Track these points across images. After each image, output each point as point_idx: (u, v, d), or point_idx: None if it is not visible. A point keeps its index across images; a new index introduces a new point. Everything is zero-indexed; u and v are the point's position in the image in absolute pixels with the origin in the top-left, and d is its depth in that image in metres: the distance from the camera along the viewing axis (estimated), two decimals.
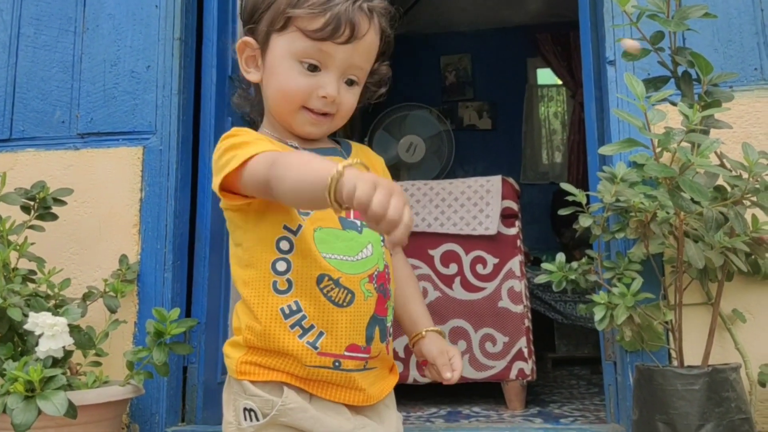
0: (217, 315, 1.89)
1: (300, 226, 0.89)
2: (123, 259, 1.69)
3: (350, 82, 0.95)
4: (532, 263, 3.75)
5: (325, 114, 0.93)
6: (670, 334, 1.45)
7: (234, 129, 0.93)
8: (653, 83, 1.29)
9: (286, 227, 0.89)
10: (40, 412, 1.17)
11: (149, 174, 1.77)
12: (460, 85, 5.19)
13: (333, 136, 1.04)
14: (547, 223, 4.62)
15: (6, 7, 1.91)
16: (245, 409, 0.87)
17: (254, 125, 1.05)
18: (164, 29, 1.85)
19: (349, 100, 0.95)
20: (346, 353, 0.89)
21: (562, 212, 1.50)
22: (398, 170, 4.26)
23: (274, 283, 0.88)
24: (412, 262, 2.37)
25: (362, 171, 0.70)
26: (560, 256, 1.52)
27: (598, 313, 1.40)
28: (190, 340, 1.74)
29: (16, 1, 1.91)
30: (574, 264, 1.51)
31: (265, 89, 0.96)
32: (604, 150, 1.19)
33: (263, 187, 0.82)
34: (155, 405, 1.65)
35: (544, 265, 1.51)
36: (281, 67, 0.92)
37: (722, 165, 1.33)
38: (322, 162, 0.75)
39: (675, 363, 1.42)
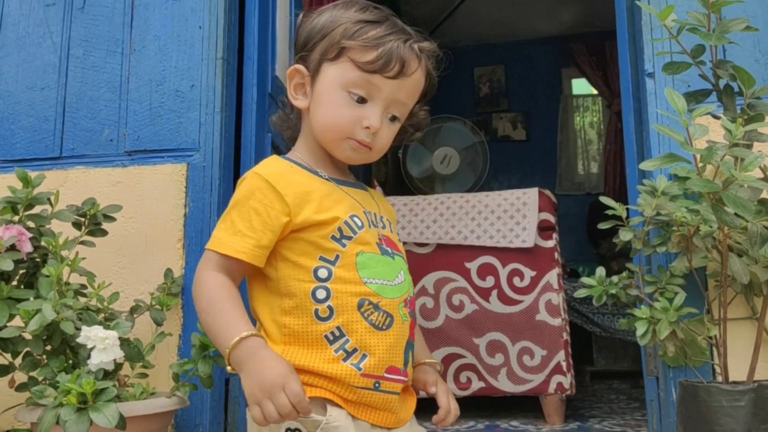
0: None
1: (338, 256, 0.92)
2: (168, 273, 1.74)
3: (392, 118, 0.99)
4: (569, 275, 3.71)
5: (366, 145, 0.97)
6: (714, 349, 1.42)
7: (246, 183, 0.96)
8: (694, 96, 1.28)
9: (322, 258, 0.92)
10: (91, 423, 1.21)
11: (193, 190, 1.82)
12: (494, 96, 5.19)
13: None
14: (583, 234, 4.57)
15: (56, 30, 1.99)
16: (288, 429, 0.87)
17: (283, 146, 1.12)
18: (207, 49, 1.90)
19: (387, 135, 0.99)
20: (386, 375, 0.92)
21: (602, 226, 1.50)
22: (433, 182, 4.27)
23: (316, 311, 0.90)
24: (448, 275, 2.38)
25: (254, 350, 0.84)
26: (600, 270, 1.51)
27: (640, 328, 1.38)
28: None
29: (66, 24, 1.99)
30: (615, 278, 1.50)
31: (312, 116, 1.00)
32: (646, 165, 1.19)
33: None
34: (199, 417, 1.69)
35: (584, 280, 1.51)
36: (330, 97, 0.96)
37: (766, 179, 1.32)
38: (227, 329, 0.87)
39: (719, 378, 1.39)
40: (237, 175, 1.94)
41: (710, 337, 1.40)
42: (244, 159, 1.95)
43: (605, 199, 1.49)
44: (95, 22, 1.97)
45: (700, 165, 1.13)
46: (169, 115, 1.89)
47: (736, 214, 1.13)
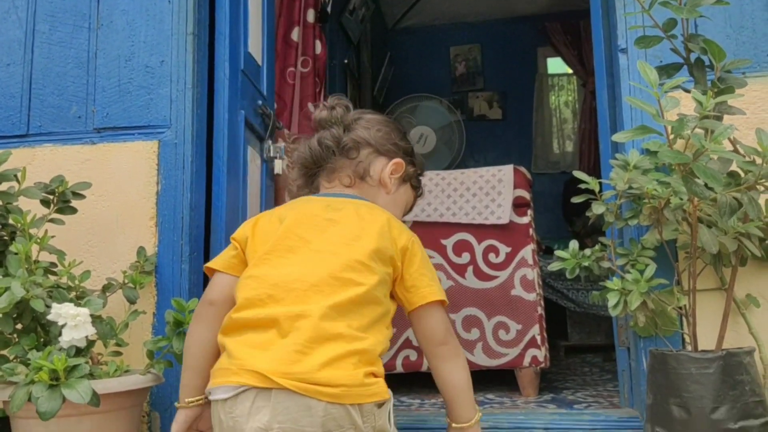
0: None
1: None
2: (141, 251, 1.72)
3: None
4: (544, 252, 3.75)
5: None
6: (684, 319, 1.45)
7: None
8: (666, 70, 1.29)
9: None
10: (64, 400, 1.20)
11: (165, 167, 1.80)
12: (470, 76, 5.19)
13: None
14: (558, 212, 4.62)
15: (21, 4, 1.93)
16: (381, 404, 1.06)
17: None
18: (177, 24, 1.87)
19: None
20: None
21: (576, 200, 1.51)
22: None
23: None
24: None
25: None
26: (573, 244, 1.53)
27: (612, 299, 1.40)
28: None
29: None
30: (588, 251, 1.52)
31: (388, 203, 1.30)
32: (618, 137, 1.20)
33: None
34: (174, 394, 1.67)
35: (558, 253, 1.52)
36: (402, 202, 1.36)
37: (736, 151, 1.34)
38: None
39: (689, 348, 1.42)
40: (210, 152, 1.91)
41: (680, 308, 1.43)
42: (217, 135, 1.93)
43: (579, 174, 1.51)
44: None
45: (671, 137, 1.14)
46: (138, 91, 1.85)
47: (706, 185, 1.15)
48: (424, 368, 2.28)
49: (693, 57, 1.30)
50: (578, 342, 3.70)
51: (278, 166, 2.31)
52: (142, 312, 1.62)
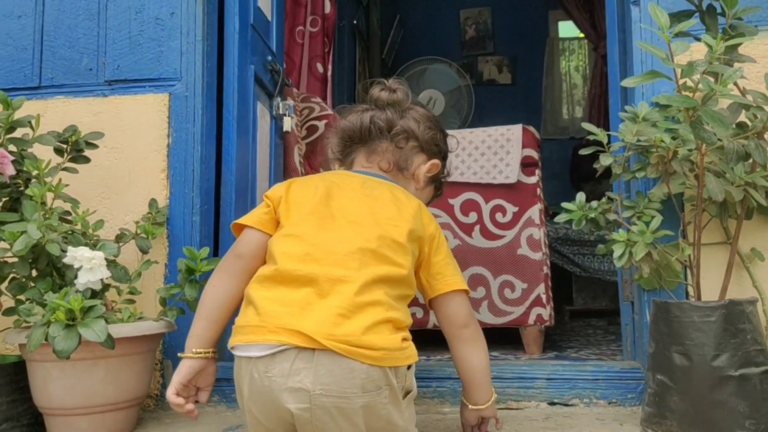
0: None
1: None
2: (152, 203, 1.74)
3: None
4: (551, 217, 3.76)
5: None
6: (688, 271, 1.47)
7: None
8: (677, 17, 1.28)
9: None
10: (80, 340, 1.23)
11: (176, 120, 1.81)
12: (479, 40, 5.13)
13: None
14: (566, 177, 4.61)
15: None
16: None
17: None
18: None
19: None
20: None
21: (584, 152, 1.51)
22: None
23: None
24: (433, 211, 2.39)
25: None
26: (580, 195, 1.54)
27: (617, 250, 1.42)
28: None
29: None
30: (594, 203, 1.53)
31: (415, 193, 1.34)
32: (627, 82, 1.20)
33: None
34: None
35: (564, 204, 1.53)
36: (424, 200, 1.38)
37: (743, 95, 1.33)
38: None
39: (692, 299, 1.44)
40: (220, 105, 1.92)
41: (684, 260, 1.44)
42: (227, 89, 1.94)
43: (587, 125, 1.51)
44: None
45: (681, 83, 1.14)
46: (149, 43, 1.86)
47: (714, 133, 1.16)
48: (429, 325, 2.31)
49: (705, 4, 1.29)
50: (583, 306, 3.74)
51: (287, 123, 2.32)
52: (154, 262, 1.65)
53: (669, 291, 1.48)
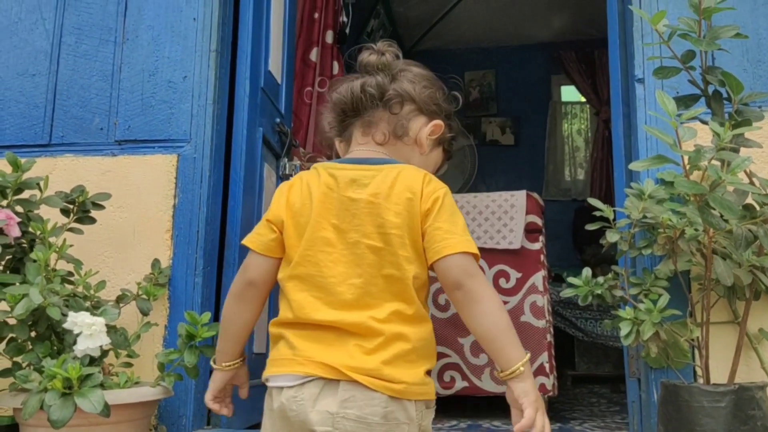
0: None
1: None
2: (155, 263, 1.73)
3: None
4: (554, 280, 3.74)
5: None
6: (696, 351, 1.45)
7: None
8: (683, 101, 1.30)
9: None
10: (75, 409, 1.20)
11: (183, 181, 1.82)
12: (483, 101, 5.22)
13: None
14: (568, 239, 4.61)
15: (49, 17, 1.98)
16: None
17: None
18: (201, 41, 1.90)
19: None
20: None
21: (590, 227, 1.51)
22: None
23: None
24: (435, 274, 2.39)
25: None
26: (586, 271, 1.53)
27: (624, 329, 1.40)
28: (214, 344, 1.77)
29: (59, 11, 1.97)
30: (600, 279, 1.52)
31: (421, 161, 1.22)
32: (635, 166, 1.21)
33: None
34: (183, 407, 1.68)
35: (570, 279, 1.52)
36: (432, 165, 1.28)
37: (752, 183, 1.34)
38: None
39: (700, 381, 1.41)
40: (227, 167, 1.94)
41: (692, 340, 1.42)
42: (235, 151, 1.95)
43: (593, 201, 1.51)
44: (89, 10, 1.96)
45: (688, 167, 1.15)
46: (160, 105, 1.88)
47: (721, 217, 1.16)
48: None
49: (711, 89, 1.31)
50: (586, 372, 3.67)
51: None
52: (154, 324, 1.63)
53: (676, 371, 1.46)
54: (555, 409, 2.62)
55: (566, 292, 1.52)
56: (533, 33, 5.08)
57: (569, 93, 5.26)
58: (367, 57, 1.23)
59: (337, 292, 1.06)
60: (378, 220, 1.09)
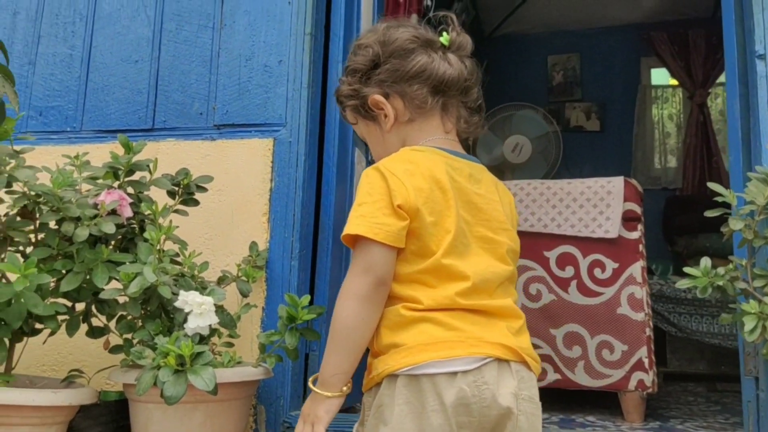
0: None
1: None
2: (253, 246, 1.75)
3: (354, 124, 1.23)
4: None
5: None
6: None
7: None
8: None
9: None
10: (187, 386, 1.23)
11: (279, 165, 1.83)
12: (567, 85, 5.05)
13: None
14: (657, 230, 4.40)
15: (150, 3, 2.03)
16: None
17: None
18: (296, 25, 1.90)
19: (370, 142, 1.22)
20: None
21: (710, 214, 1.41)
22: (502, 171, 4.19)
23: None
24: (526, 263, 2.32)
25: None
26: (705, 261, 1.43)
27: (749, 323, 1.30)
28: (312, 327, 1.77)
29: None
30: (721, 270, 1.42)
31: None
32: None
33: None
34: (281, 389, 1.70)
35: (688, 270, 1.43)
36: None
37: None
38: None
39: None
40: (321, 151, 1.94)
41: None
42: (328, 135, 1.95)
43: (714, 186, 1.41)
44: None
45: None
46: (257, 90, 1.90)
47: None
48: None
49: None
50: (678, 369, 3.51)
51: None
52: (253, 305, 1.65)
53: None
54: (650, 406, 2.50)
55: (683, 283, 1.43)
56: (621, 14, 4.85)
57: (659, 76, 5.01)
58: (456, 37, 1.15)
59: (486, 282, 1.03)
60: (496, 216, 1.09)
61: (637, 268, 2.22)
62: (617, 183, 2.31)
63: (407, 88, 1.11)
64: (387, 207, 1.00)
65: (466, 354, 0.96)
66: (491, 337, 0.99)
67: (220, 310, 1.42)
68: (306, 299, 1.50)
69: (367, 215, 1.00)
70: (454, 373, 0.95)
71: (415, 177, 1.03)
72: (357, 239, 1.01)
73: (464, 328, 0.98)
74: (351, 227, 1.00)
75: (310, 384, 1.04)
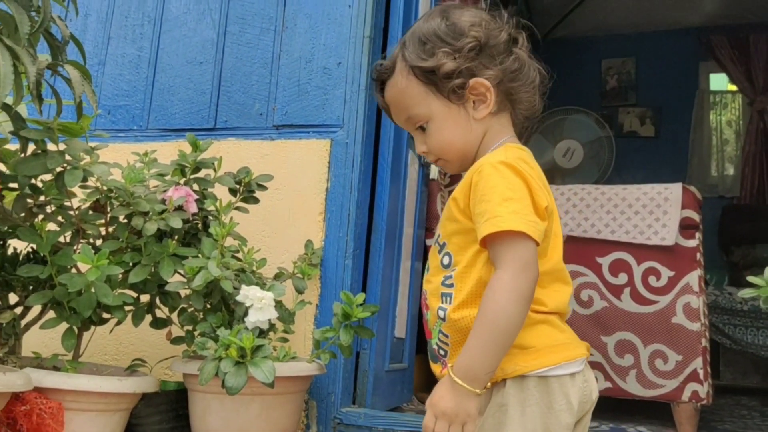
0: (387, 305, 1.95)
1: None
2: (308, 244, 1.79)
3: (420, 128, 1.06)
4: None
5: (436, 160, 1.09)
6: None
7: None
8: None
9: None
10: (247, 377, 1.27)
11: (335, 165, 1.87)
12: (621, 90, 4.96)
13: None
14: (713, 239, 4.28)
15: (215, 7, 2.09)
16: None
17: None
18: (355, 27, 1.93)
19: (432, 140, 1.06)
20: (429, 340, 1.08)
21: None
22: (553, 176, 4.15)
23: None
24: (577, 269, 2.30)
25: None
26: None
27: None
28: (364, 326, 1.80)
29: (224, 1, 2.08)
30: None
31: None
32: None
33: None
34: (332, 385, 1.73)
35: (752, 279, 1.40)
36: None
37: None
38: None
39: None
40: (377, 153, 1.97)
41: None
42: (383, 137, 1.98)
43: None
44: (251, 0, 2.06)
45: None
46: (315, 91, 1.94)
47: None
48: None
49: None
50: (731, 382, 3.43)
51: (434, 171, 2.33)
52: (308, 302, 1.69)
53: None
54: (703, 419, 2.44)
55: (746, 292, 1.39)
56: (680, 17, 4.74)
57: (718, 81, 4.87)
58: (523, 41, 1.11)
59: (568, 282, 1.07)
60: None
61: (694, 277, 2.18)
62: (675, 189, 2.27)
63: (511, 84, 1.07)
64: (532, 205, 0.95)
65: (579, 355, 1.00)
66: (578, 337, 1.05)
67: (279, 305, 1.46)
68: (361, 297, 1.53)
69: (519, 212, 0.93)
70: (573, 374, 0.98)
71: (536, 172, 1.00)
72: (508, 235, 0.93)
73: (569, 330, 1.04)
74: (509, 223, 0.91)
75: (456, 380, 0.92)
